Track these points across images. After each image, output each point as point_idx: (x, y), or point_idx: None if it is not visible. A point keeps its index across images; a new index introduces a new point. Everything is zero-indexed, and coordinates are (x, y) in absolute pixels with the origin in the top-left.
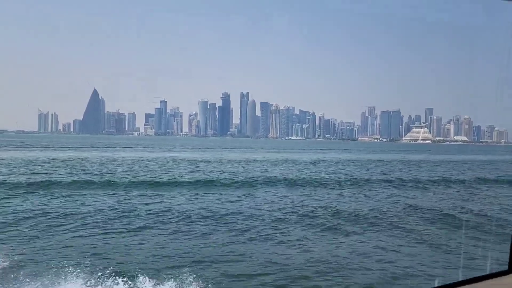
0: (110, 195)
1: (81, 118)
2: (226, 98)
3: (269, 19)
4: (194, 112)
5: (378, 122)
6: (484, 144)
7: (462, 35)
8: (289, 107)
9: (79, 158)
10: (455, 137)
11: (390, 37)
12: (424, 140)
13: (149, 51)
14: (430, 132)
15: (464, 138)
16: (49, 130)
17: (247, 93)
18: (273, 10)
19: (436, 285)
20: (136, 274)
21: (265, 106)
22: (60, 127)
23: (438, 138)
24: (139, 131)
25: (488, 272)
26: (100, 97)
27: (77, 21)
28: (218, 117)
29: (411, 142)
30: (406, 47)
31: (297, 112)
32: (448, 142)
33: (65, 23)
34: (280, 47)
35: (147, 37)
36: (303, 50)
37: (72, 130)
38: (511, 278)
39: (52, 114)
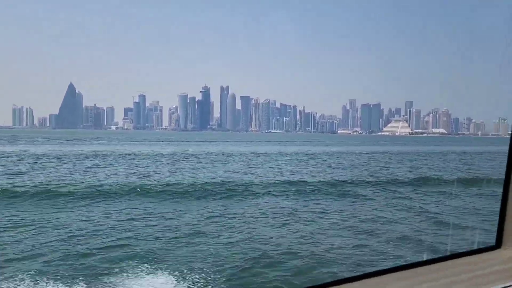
0: None
1: (57, 113)
2: (206, 92)
3: (251, 13)
4: (174, 106)
5: (358, 115)
6: (460, 135)
7: (446, 27)
8: (269, 101)
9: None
10: (433, 129)
11: (373, 31)
12: (402, 132)
13: (129, 44)
14: (410, 125)
15: (442, 130)
16: (24, 124)
17: (227, 86)
18: (255, 4)
19: (424, 259)
20: None
21: (245, 99)
22: (36, 121)
23: (417, 130)
24: (117, 125)
25: (476, 247)
26: (77, 91)
27: (53, 15)
28: (198, 111)
29: (390, 134)
30: (389, 41)
31: (278, 105)
32: (426, 134)
33: (40, 17)
34: (260, 42)
35: (127, 30)
36: (285, 44)
37: (48, 124)
38: (498, 253)
39: (27, 109)
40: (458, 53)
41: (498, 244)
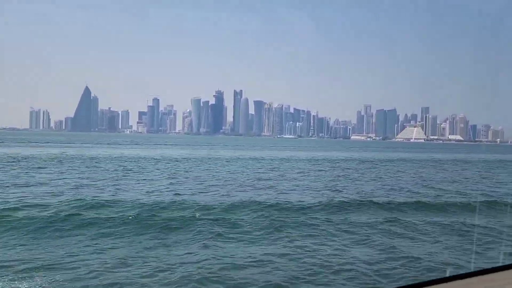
0: None
1: (72, 116)
2: (219, 96)
3: (266, 16)
4: (188, 110)
5: (373, 121)
6: (477, 142)
7: (463, 33)
8: (283, 105)
9: None
10: (449, 136)
11: (389, 36)
12: (417, 139)
13: (145, 47)
14: (425, 131)
15: (458, 137)
16: (41, 127)
17: (241, 91)
18: (272, 7)
19: (447, 275)
20: None
21: (258, 104)
22: (52, 124)
23: (432, 137)
24: (131, 129)
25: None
26: (93, 95)
27: (70, 18)
28: (211, 115)
29: (404, 141)
30: (406, 46)
31: (292, 110)
32: (441, 141)
33: (58, 21)
34: (276, 46)
35: (144, 33)
36: (301, 49)
37: (64, 127)
38: None
39: (44, 112)
40: (479, 56)
41: None
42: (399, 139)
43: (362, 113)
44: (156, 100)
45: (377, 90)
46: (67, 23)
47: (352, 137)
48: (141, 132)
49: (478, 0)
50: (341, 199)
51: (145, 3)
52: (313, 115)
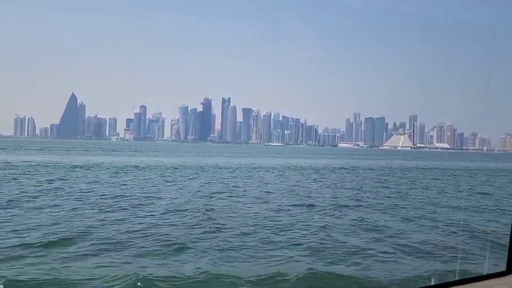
0: None
1: (58, 123)
2: (207, 104)
3: (253, 24)
4: (176, 118)
5: (362, 129)
6: (464, 150)
7: (454, 40)
8: (271, 113)
9: None
10: (436, 144)
11: (377, 44)
12: (404, 146)
13: (133, 53)
14: (413, 139)
15: (445, 145)
16: (26, 134)
17: (229, 98)
18: (257, 14)
19: (432, 284)
20: None
21: (246, 112)
22: (38, 131)
23: (419, 145)
24: (118, 136)
25: (485, 273)
26: (80, 102)
27: (57, 23)
28: (199, 122)
29: (391, 148)
30: (394, 54)
31: (280, 118)
32: (428, 149)
33: (44, 25)
34: (264, 53)
35: (132, 39)
36: (289, 56)
37: (49, 134)
38: (509, 278)
39: (29, 119)
40: (469, 65)
41: (508, 270)
42: (386, 147)
43: (351, 121)
44: (143, 107)
45: (367, 98)
46: (58, 28)
47: (339, 145)
48: (127, 140)
49: (469, 10)
50: None
51: (144, 8)
52: (301, 123)
